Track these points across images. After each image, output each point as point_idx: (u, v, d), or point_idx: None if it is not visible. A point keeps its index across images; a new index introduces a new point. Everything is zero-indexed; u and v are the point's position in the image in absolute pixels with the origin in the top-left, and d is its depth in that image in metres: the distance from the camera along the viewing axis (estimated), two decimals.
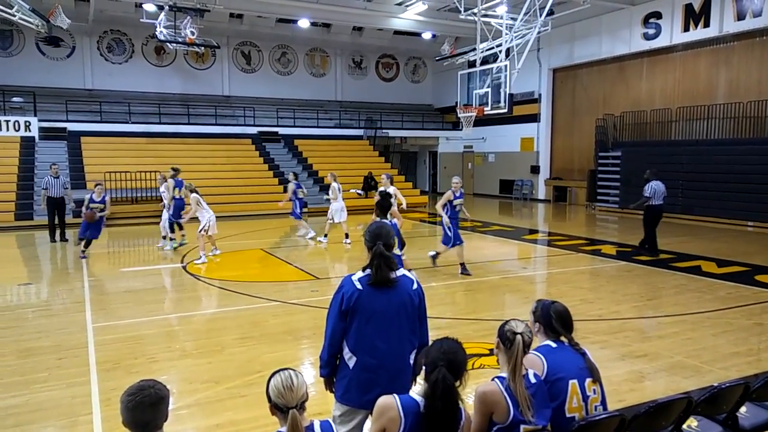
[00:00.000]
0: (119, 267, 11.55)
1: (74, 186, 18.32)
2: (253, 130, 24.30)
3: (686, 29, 18.12)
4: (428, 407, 2.39)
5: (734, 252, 11.77)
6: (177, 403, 4.55)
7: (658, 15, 18.95)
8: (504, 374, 2.70)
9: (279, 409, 2.27)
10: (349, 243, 12.80)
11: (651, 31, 19.27)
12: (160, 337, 6.52)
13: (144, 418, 2.13)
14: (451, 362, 2.43)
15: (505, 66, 16.94)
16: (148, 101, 24.09)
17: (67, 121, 21.23)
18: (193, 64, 26.10)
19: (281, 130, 24.92)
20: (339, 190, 13.15)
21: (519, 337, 2.68)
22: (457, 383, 2.46)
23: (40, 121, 20.45)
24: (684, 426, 3.21)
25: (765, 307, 7.61)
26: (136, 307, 7.78)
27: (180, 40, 20.31)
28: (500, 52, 17.68)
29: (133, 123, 22.40)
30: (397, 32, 26.13)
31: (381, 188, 10.36)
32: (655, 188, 11.27)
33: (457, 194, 9.83)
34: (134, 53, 24.97)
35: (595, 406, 2.91)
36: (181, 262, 11.00)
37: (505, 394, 2.63)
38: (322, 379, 3.21)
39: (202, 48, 23.33)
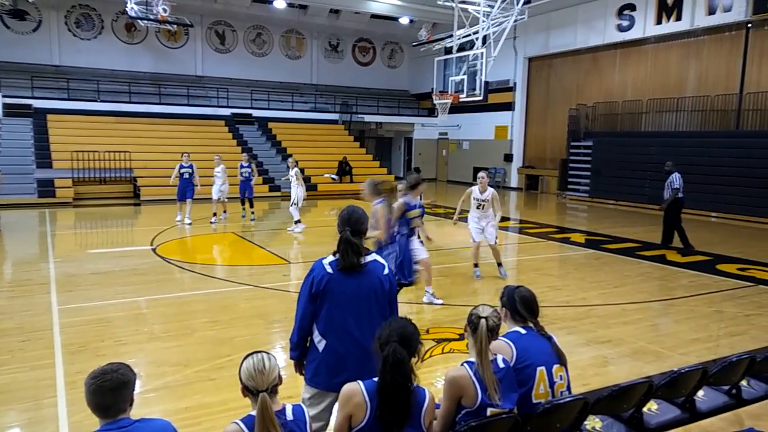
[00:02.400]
0: (86, 248, 11.32)
1: (40, 165, 17.88)
2: (227, 112, 23.93)
3: (659, 22, 18.40)
4: (380, 383, 2.41)
5: (697, 242, 12.08)
6: (145, 387, 4.51)
7: (632, 7, 19.18)
8: (473, 359, 2.74)
9: (250, 391, 2.27)
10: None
11: (625, 23, 19.50)
12: (128, 319, 6.43)
13: (105, 402, 2.11)
14: (402, 336, 2.46)
15: (482, 53, 16.99)
16: (118, 79, 23.46)
17: (33, 97, 20.56)
18: (165, 42, 25.49)
19: (255, 113, 24.59)
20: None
21: (483, 321, 2.72)
22: (414, 360, 2.49)
23: (4, 97, 19.77)
24: (645, 409, 3.32)
25: (725, 295, 7.87)
26: (103, 289, 7.65)
27: (152, 17, 19.80)
28: (477, 39, 17.71)
29: (102, 101, 21.81)
30: (374, 16, 25.92)
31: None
32: (680, 179, 11.05)
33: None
34: (104, 29, 24.24)
35: (561, 392, 2.98)
36: (151, 244, 10.83)
37: (474, 379, 2.67)
38: (292, 361, 3.21)
39: (175, 26, 22.83)
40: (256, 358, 2.30)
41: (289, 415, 2.33)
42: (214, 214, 13.53)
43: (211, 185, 13.68)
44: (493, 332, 2.75)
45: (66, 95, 21.47)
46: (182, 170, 13.35)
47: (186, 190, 13.27)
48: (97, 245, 11.61)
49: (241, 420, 2.24)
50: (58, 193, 16.91)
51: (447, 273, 9.18)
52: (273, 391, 2.29)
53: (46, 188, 16.92)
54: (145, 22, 20.22)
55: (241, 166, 13.94)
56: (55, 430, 3.92)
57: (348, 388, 2.49)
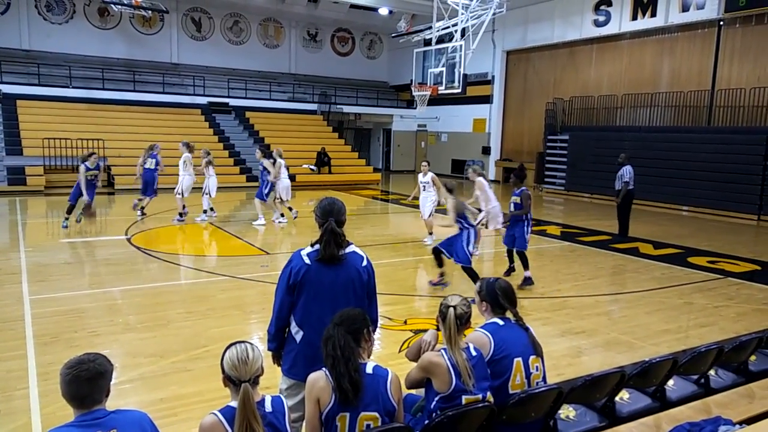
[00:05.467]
0: (59, 238, 11.09)
1: (10, 152, 17.43)
2: (203, 101, 23.56)
3: (634, 18, 18.63)
4: (327, 362, 2.52)
5: (669, 235, 12.36)
6: (120, 378, 4.46)
7: (608, 2, 19.38)
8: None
9: (232, 381, 2.27)
10: (285, 221, 12.47)
11: (601, 18, 19.71)
12: (102, 310, 6.34)
13: (81, 392, 2.08)
14: (343, 317, 2.61)
15: (460, 46, 17.02)
16: (91, 65, 22.90)
17: (2, 82, 19.97)
18: (140, 28, 24.95)
19: (232, 102, 24.27)
20: (286, 167, 12.59)
21: (452, 309, 2.84)
22: (365, 342, 2.64)
23: None
24: (617, 398, 3.39)
25: (695, 287, 8.07)
26: (76, 280, 7.52)
27: (125, 2, 19.39)
28: (456, 31, 17.72)
29: (74, 87, 21.26)
30: (353, 6, 25.71)
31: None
32: (631, 171, 11.44)
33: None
34: (75, 13, 23.61)
35: (537, 382, 3.05)
36: (125, 233, 10.66)
37: (449, 364, 2.76)
38: (269, 352, 3.21)
39: (149, 12, 22.33)
40: (240, 348, 2.29)
41: (268, 407, 2.33)
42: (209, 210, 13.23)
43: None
44: (461, 320, 2.85)
45: (36, 81, 20.89)
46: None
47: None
48: (69, 235, 11.37)
49: (220, 411, 2.23)
50: (29, 181, 16.51)
51: (424, 265, 9.23)
52: (255, 382, 2.29)
53: (17, 176, 16.49)
54: (119, 6, 19.83)
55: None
56: (26, 422, 3.86)
57: (312, 375, 2.58)
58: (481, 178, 9.68)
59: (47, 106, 19.95)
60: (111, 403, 2.22)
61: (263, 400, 2.34)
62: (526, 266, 7.85)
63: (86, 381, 2.08)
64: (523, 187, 7.90)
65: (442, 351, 2.83)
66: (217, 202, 14.22)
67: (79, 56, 23.19)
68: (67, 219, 11.06)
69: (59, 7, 23.27)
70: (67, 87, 21.21)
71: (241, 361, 2.25)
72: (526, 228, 7.88)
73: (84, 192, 10.79)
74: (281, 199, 12.55)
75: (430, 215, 10.52)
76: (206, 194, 12.55)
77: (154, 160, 12.33)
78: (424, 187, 10.58)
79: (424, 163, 10.94)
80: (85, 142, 17.87)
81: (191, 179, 12.39)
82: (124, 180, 17.57)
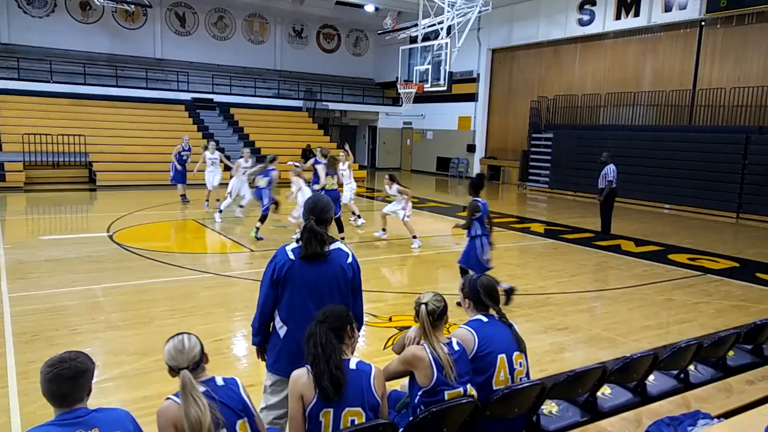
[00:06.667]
0: (39, 235, 10.93)
1: None
2: (187, 96, 23.33)
3: (618, 17, 18.80)
4: (309, 358, 2.54)
5: (651, 232, 12.52)
6: (102, 376, 4.42)
7: (592, 2, 19.53)
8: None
9: (174, 371, 2.34)
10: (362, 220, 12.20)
11: (586, 17, 19.86)
12: (83, 308, 6.26)
13: (62, 390, 2.06)
14: (326, 313, 2.62)
15: (446, 44, 17.06)
16: (73, 60, 22.55)
17: None
18: (123, 23, 24.64)
19: (216, 98, 24.06)
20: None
21: (423, 307, 2.92)
22: (349, 338, 2.65)
23: None
24: (598, 393, 3.44)
25: (676, 284, 8.18)
26: (57, 277, 7.42)
27: None
28: (441, 29, 17.75)
29: (55, 82, 20.93)
30: (339, 2, 25.65)
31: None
32: (615, 170, 11.57)
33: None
34: (56, 7, 23.23)
35: (521, 378, 3.08)
36: (107, 230, 10.54)
37: (431, 358, 2.81)
38: (254, 348, 3.21)
39: (132, 6, 22.07)
40: (177, 339, 2.40)
41: (220, 382, 2.40)
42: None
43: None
44: (433, 315, 2.91)
45: (16, 75, 20.52)
46: (183, 153, 13.71)
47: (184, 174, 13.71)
48: (50, 231, 11.23)
49: (174, 395, 2.30)
50: (8, 177, 16.23)
51: (409, 262, 9.26)
52: (196, 368, 2.35)
53: None
54: (101, 1, 19.51)
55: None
56: (6, 422, 3.80)
57: (295, 372, 2.60)
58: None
59: (27, 101, 19.62)
60: (93, 402, 2.20)
61: (213, 378, 2.41)
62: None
63: (67, 380, 2.06)
64: (474, 197, 6.75)
65: (424, 345, 2.87)
66: (200, 198, 14.11)
67: (61, 51, 22.82)
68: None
69: (40, 1, 22.88)
70: (48, 82, 20.86)
71: (177, 351, 2.35)
72: (478, 245, 6.61)
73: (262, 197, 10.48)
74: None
75: (404, 218, 10.27)
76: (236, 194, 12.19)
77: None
78: (395, 198, 10.45)
79: (386, 178, 10.35)
80: (67, 138, 17.62)
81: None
82: (106, 177, 17.39)
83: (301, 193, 9.87)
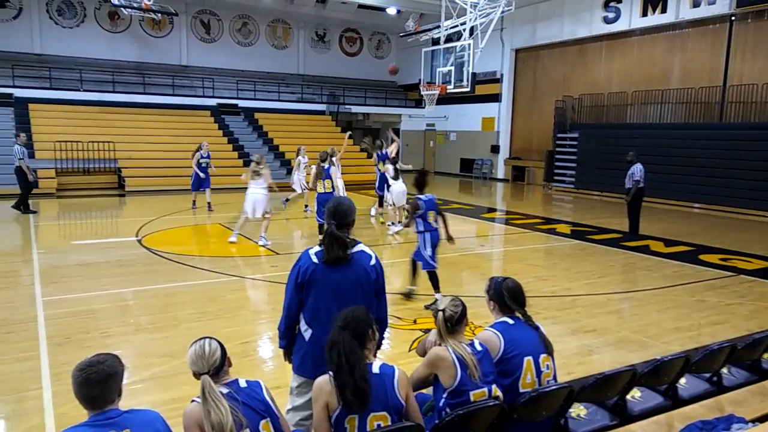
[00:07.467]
0: (71, 240, 11.20)
1: None
2: (212, 102, 23.67)
3: (644, 14, 18.49)
4: (331, 366, 2.52)
5: (680, 232, 12.26)
6: (132, 378, 4.50)
7: None
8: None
9: (195, 375, 2.37)
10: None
11: (611, 15, 19.58)
12: (113, 311, 6.39)
13: (92, 393, 2.11)
14: (346, 319, 2.61)
15: (469, 45, 16.99)
16: (101, 68, 23.09)
17: (14, 86, 20.19)
18: (150, 31, 25.13)
19: (241, 103, 24.36)
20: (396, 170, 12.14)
21: (440, 314, 2.93)
22: (371, 343, 2.65)
23: None
24: (628, 396, 3.38)
25: (707, 285, 7.99)
26: (88, 281, 7.59)
27: (135, 5, 19.52)
28: (464, 30, 17.68)
29: (85, 91, 21.46)
30: (361, 6, 25.72)
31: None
32: (642, 170, 11.38)
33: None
34: (86, 17, 23.82)
35: (548, 381, 3.04)
36: (136, 235, 10.74)
37: (454, 357, 2.80)
38: (281, 350, 3.23)
39: (159, 15, 22.47)
40: (198, 345, 2.43)
41: (243, 384, 2.44)
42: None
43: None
44: (451, 321, 2.92)
45: (48, 84, 21.09)
46: (201, 160, 13.93)
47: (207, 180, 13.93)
48: (81, 236, 11.50)
49: (198, 397, 2.33)
50: (41, 184, 16.63)
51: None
52: (217, 372, 2.39)
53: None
54: (129, 10, 19.93)
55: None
56: (40, 422, 3.90)
57: (319, 380, 2.60)
58: None
59: (59, 109, 20.14)
60: (123, 403, 2.24)
61: (237, 380, 2.45)
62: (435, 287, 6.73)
63: (96, 383, 2.10)
64: (417, 195, 6.81)
65: (446, 345, 2.88)
66: (226, 203, 14.29)
67: (90, 60, 23.38)
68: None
69: (70, 12, 23.48)
70: (78, 90, 21.41)
71: (197, 356, 2.39)
72: (421, 241, 6.71)
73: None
74: (393, 203, 12.08)
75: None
76: (390, 204, 12.37)
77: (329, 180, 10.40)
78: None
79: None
80: (97, 145, 18.03)
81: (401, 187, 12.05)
82: (134, 182, 17.73)
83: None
